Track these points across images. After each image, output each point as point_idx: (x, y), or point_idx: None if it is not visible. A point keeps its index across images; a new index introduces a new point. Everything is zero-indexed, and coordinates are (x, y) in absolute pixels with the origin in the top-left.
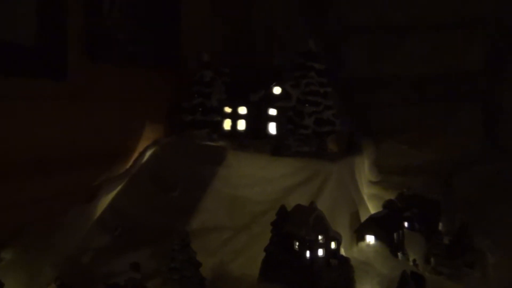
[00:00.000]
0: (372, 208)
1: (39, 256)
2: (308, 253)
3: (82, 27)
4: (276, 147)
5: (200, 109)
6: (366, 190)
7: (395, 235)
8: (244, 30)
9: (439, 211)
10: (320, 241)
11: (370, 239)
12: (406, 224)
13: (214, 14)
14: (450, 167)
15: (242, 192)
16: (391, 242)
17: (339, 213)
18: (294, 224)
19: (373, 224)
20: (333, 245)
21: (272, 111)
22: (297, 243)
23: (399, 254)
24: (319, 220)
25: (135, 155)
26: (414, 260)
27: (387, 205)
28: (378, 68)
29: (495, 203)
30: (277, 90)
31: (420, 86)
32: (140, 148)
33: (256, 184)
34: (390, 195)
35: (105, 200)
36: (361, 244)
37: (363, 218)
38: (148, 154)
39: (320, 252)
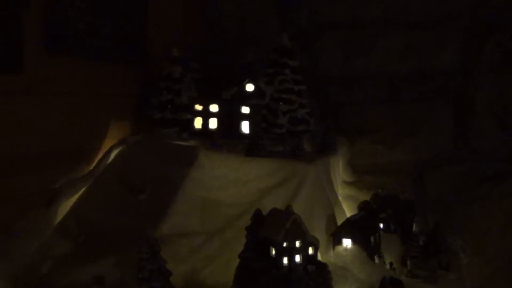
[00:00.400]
0: (348, 209)
1: None
2: (285, 260)
3: (40, 17)
4: (250, 147)
5: (169, 106)
6: (341, 191)
7: (372, 238)
8: (214, 24)
9: (413, 211)
10: (298, 247)
11: (347, 242)
12: (381, 225)
13: (183, 7)
14: (422, 167)
15: (215, 195)
16: (368, 245)
17: (316, 216)
18: (270, 229)
19: (350, 227)
20: (310, 250)
21: (245, 109)
22: (274, 249)
23: (376, 257)
24: (296, 225)
25: (100, 155)
26: (391, 264)
27: (364, 206)
28: (351, 66)
29: (466, 202)
30: (250, 87)
31: (394, 85)
32: (105, 147)
33: (230, 186)
34: (365, 196)
35: (67, 204)
36: (338, 248)
37: (340, 220)
38: (113, 154)
39: (298, 258)
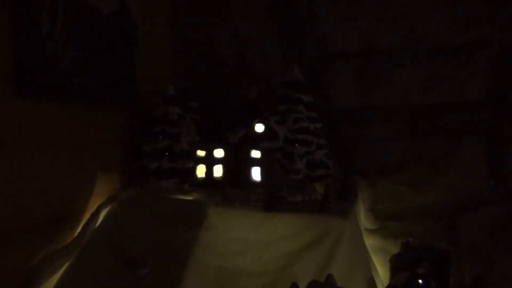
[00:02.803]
0: (376, 263)
1: None
2: None
3: (11, 52)
4: (269, 200)
5: (166, 154)
6: (365, 241)
7: None
8: (211, 58)
9: (449, 263)
10: None
11: None
12: (420, 282)
13: (176, 41)
14: (453, 210)
15: (232, 263)
16: None
17: (355, 281)
18: None
19: None
20: None
21: (256, 153)
22: None
23: None
24: None
25: (85, 217)
26: None
27: (401, 263)
28: (367, 99)
29: (505, 248)
30: (259, 127)
31: (416, 119)
32: (90, 207)
33: (250, 250)
34: (391, 245)
35: (47, 286)
36: None
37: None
38: (102, 215)
39: None
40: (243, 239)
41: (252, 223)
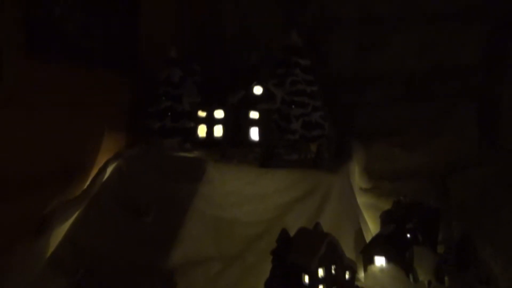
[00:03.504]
0: (368, 219)
1: None
2: None
3: (21, 17)
4: (265, 157)
5: (169, 114)
6: (358, 199)
7: (406, 253)
8: (213, 23)
9: (438, 219)
10: (333, 272)
11: (380, 261)
12: (408, 236)
13: (179, 5)
14: (444, 170)
15: (229, 213)
16: (402, 263)
17: (343, 232)
18: (301, 253)
19: (383, 243)
20: (347, 275)
21: (254, 114)
22: (307, 277)
23: (410, 275)
24: (332, 248)
25: (93, 172)
26: (429, 282)
27: (390, 218)
28: (364, 64)
29: (493, 207)
30: (258, 90)
31: (411, 84)
32: (99, 163)
33: (245, 202)
34: (384, 203)
35: (59, 232)
36: (372, 268)
37: (364, 232)
38: (109, 170)
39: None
40: (239, 192)
41: (248, 178)
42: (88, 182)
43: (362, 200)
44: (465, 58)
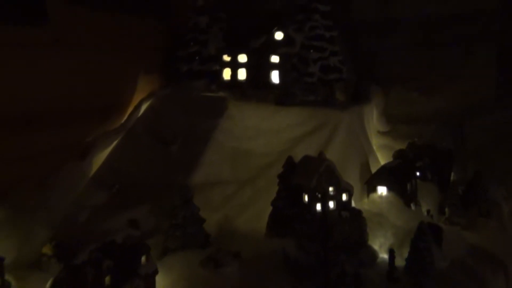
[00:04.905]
0: (382, 158)
1: (33, 216)
2: (318, 206)
3: None
4: (281, 96)
5: (196, 58)
6: (375, 141)
7: (408, 185)
8: None
9: (451, 160)
10: (331, 193)
11: (382, 190)
12: (418, 174)
13: None
14: (461, 115)
15: (246, 145)
16: (404, 193)
17: (349, 164)
18: (303, 176)
19: (385, 175)
20: (344, 197)
21: (275, 58)
22: (307, 196)
23: (412, 205)
24: (329, 171)
25: (130, 108)
26: (428, 211)
27: (399, 155)
28: (385, 10)
29: (507, 151)
30: (279, 35)
31: (432, 29)
32: (135, 101)
33: (261, 135)
34: (400, 145)
35: (100, 157)
36: (373, 195)
37: (374, 169)
38: (144, 107)
39: (331, 204)
40: (256, 127)
41: (264, 114)
42: (125, 117)
43: (379, 141)
44: (485, 3)
